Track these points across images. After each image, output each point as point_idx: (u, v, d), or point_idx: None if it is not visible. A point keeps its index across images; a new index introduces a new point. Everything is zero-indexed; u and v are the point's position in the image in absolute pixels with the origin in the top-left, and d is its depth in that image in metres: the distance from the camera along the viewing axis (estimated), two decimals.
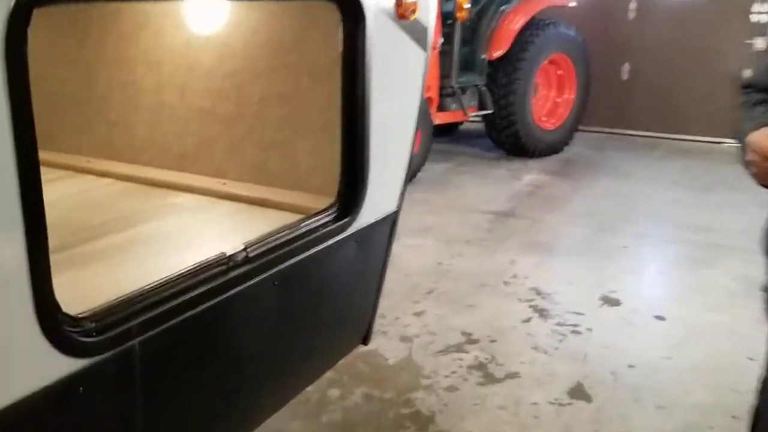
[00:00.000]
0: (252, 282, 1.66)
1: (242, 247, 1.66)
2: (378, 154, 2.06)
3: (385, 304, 3.24)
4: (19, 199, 1.12)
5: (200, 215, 2.17)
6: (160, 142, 2.56)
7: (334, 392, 2.84)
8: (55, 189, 2.41)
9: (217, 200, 2.29)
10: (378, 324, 3.47)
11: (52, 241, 1.97)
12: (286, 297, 1.81)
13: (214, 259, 1.60)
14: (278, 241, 1.76)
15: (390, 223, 2.22)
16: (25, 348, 1.18)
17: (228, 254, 1.62)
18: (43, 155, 2.63)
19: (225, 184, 2.35)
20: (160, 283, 1.46)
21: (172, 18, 2.58)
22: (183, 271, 1.52)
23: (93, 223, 2.07)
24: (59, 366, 1.23)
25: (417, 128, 2.24)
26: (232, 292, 1.60)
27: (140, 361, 1.39)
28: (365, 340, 2.33)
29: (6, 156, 1.09)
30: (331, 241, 1.93)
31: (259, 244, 1.71)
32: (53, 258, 1.70)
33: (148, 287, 1.43)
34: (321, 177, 2.26)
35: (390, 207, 2.22)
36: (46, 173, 2.55)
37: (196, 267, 1.55)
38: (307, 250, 1.84)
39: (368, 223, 2.08)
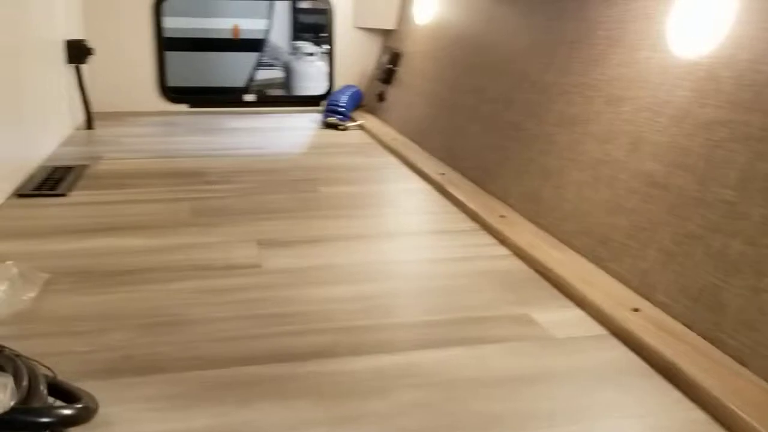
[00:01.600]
0: None
1: None
2: None
3: None
4: None
5: (549, 362, 1.28)
6: (586, 212, 1.71)
7: None
8: (449, 247, 1.85)
9: (608, 338, 1.35)
10: None
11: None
12: None
13: None
14: None
15: None
16: None
17: None
18: (464, 195, 2.11)
19: (638, 312, 1.38)
20: None
21: (653, 33, 1.67)
22: None
23: (405, 318, 1.44)
24: None
25: None
26: None
27: None
28: None
29: None
30: None
31: None
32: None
33: None
34: None
35: None
36: (455, 222, 2.03)
37: None
38: None
39: None
